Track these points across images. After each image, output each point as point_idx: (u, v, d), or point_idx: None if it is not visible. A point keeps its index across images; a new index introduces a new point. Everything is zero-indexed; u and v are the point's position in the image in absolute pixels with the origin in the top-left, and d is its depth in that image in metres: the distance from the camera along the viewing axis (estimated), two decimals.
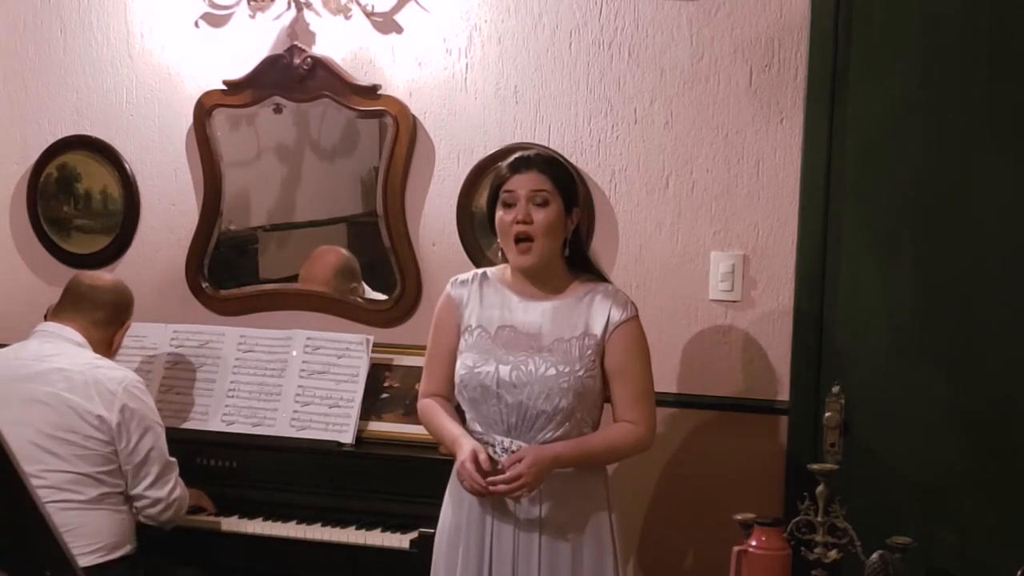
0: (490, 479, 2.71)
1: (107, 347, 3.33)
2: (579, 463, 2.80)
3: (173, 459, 3.23)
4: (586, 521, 2.82)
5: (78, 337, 3.25)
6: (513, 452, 2.76)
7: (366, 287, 3.83)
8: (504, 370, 2.78)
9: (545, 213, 2.78)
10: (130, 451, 3.14)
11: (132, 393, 3.16)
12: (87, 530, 3.09)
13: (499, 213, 2.82)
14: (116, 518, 3.17)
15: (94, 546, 3.09)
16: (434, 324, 2.97)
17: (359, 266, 3.84)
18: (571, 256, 2.87)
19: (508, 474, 2.71)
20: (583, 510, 2.82)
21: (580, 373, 2.77)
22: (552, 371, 2.76)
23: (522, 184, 2.79)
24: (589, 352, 2.79)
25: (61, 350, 3.20)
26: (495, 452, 2.79)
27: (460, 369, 2.85)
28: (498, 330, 2.84)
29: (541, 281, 2.86)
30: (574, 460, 2.78)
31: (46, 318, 3.69)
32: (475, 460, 2.72)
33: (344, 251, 3.84)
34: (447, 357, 2.91)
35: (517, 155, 2.88)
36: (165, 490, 3.19)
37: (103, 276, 3.48)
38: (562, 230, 2.83)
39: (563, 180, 2.84)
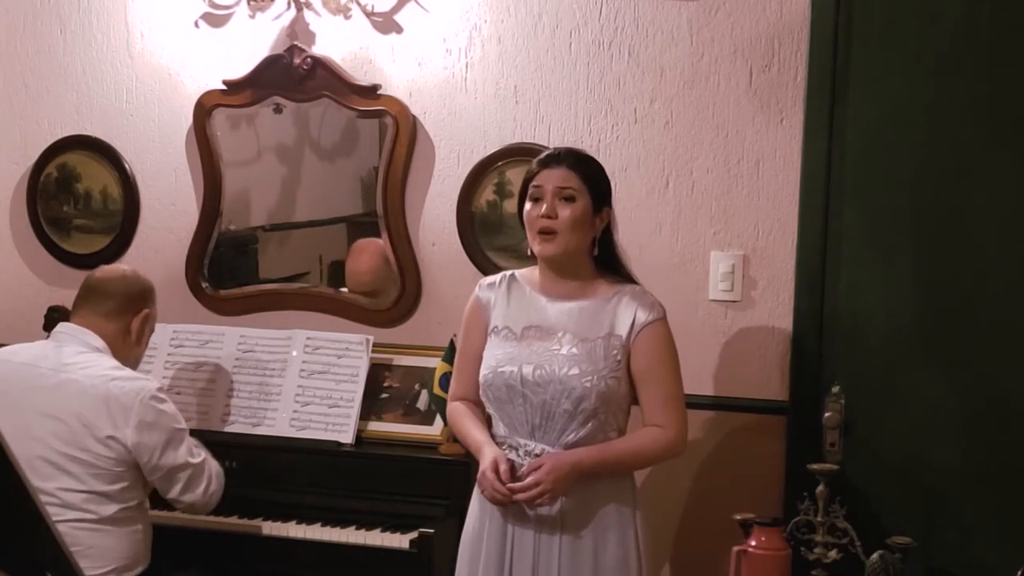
0: (510, 486, 2.70)
1: (124, 337, 3.22)
2: (603, 470, 2.76)
3: (201, 459, 3.16)
4: (609, 520, 2.78)
5: (97, 341, 3.16)
6: (536, 455, 2.75)
7: None
8: (527, 369, 2.77)
9: (571, 209, 2.77)
10: (153, 465, 3.07)
11: (149, 406, 3.06)
12: (99, 551, 3.02)
13: (527, 207, 2.82)
14: (131, 539, 3.10)
15: (106, 568, 3.03)
16: (463, 327, 2.96)
17: None
18: (600, 256, 2.86)
19: (528, 481, 2.70)
20: (605, 509, 2.79)
21: (604, 373, 2.75)
22: (575, 370, 2.74)
23: (550, 180, 2.80)
24: (615, 352, 2.77)
25: (79, 359, 3.11)
26: (519, 456, 2.78)
27: (484, 369, 2.84)
28: (524, 330, 2.83)
29: (569, 280, 2.84)
30: (596, 466, 2.74)
31: (46, 321, 3.69)
32: (496, 469, 2.71)
33: (382, 243, 3.75)
34: (476, 360, 2.89)
35: (548, 151, 2.90)
36: (199, 492, 3.14)
37: (116, 267, 3.38)
38: (589, 228, 2.81)
39: (592, 178, 2.83)
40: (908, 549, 2.98)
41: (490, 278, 2.98)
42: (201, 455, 3.18)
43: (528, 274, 2.93)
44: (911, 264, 3.27)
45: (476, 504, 2.89)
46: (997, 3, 3.18)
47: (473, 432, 2.86)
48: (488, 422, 2.90)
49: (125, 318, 3.23)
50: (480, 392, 2.87)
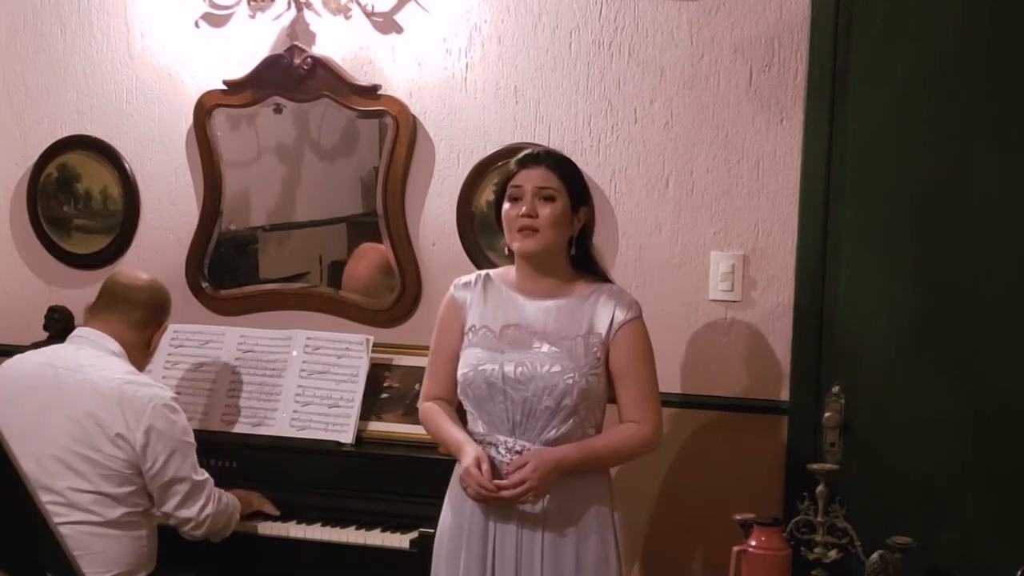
0: (495, 483, 2.71)
1: (144, 349, 3.25)
2: (584, 466, 2.80)
3: (203, 477, 3.15)
4: (589, 518, 2.82)
5: (114, 346, 3.16)
6: (517, 453, 2.77)
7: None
8: (509, 367, 2.79)
9: (550, 209, 2.81)
10: (155, 472, 3.06)
11: (161, 412, 3.06)
12: (103, 556, 3.01)
13: (506, 206, 2.85)
14: (136, 544, 3.09)
15: (109, 573, 3.02)
16: (437, 327, 2.98)
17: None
18: (577, 256, 2.89)
19: (513, 478, 2.71)
20: (586, 508, 2.82)
21: (585, 370, 2.78)
22: (556, 368, 2.77)
23: (529, 180, 2.82)
24: (594, 350, 2.80)
25: (96, 361, 3.11)
26: (499, 453, 2.80)
27: (463, 367, 2.86)
28: (503, 329, 2.85)
29: (546, 279, 2.87)
30: (579, 463, 2.78)
31: (46, 321, 3.69)
32: (479, 467, 2.73)
33: (383, 248, 3.75)
34: (450, 359, 2.91)
35: (526, 151, 2.92)
36: (194, 509, 3.11)
37: (140, 275, 3.34)
38: (567, 227, 2.85)
39: (570, 178, 2.86)
40: (908, 549, 2.98)
41: (465, 278, 2.99)
42: (204, 475, 3.16)
43: (503, 273, 2.95)
44: (911, 264, 3.27)
45: (452, 502, 2.90)
46: (997, 3, 3.18)
47: (451, 430, 2.87)
48: (463, 421, 2.91)
49: (148, 330, 3.25)
50: (459, 391, 2.88)
